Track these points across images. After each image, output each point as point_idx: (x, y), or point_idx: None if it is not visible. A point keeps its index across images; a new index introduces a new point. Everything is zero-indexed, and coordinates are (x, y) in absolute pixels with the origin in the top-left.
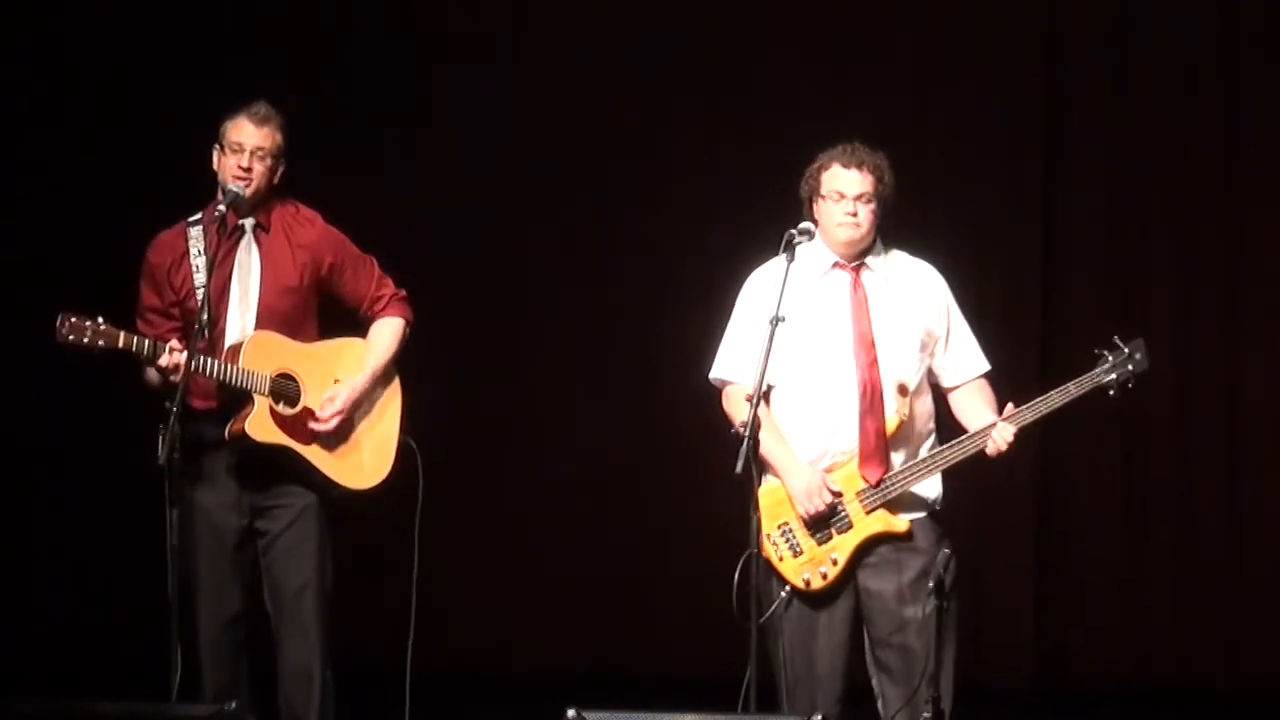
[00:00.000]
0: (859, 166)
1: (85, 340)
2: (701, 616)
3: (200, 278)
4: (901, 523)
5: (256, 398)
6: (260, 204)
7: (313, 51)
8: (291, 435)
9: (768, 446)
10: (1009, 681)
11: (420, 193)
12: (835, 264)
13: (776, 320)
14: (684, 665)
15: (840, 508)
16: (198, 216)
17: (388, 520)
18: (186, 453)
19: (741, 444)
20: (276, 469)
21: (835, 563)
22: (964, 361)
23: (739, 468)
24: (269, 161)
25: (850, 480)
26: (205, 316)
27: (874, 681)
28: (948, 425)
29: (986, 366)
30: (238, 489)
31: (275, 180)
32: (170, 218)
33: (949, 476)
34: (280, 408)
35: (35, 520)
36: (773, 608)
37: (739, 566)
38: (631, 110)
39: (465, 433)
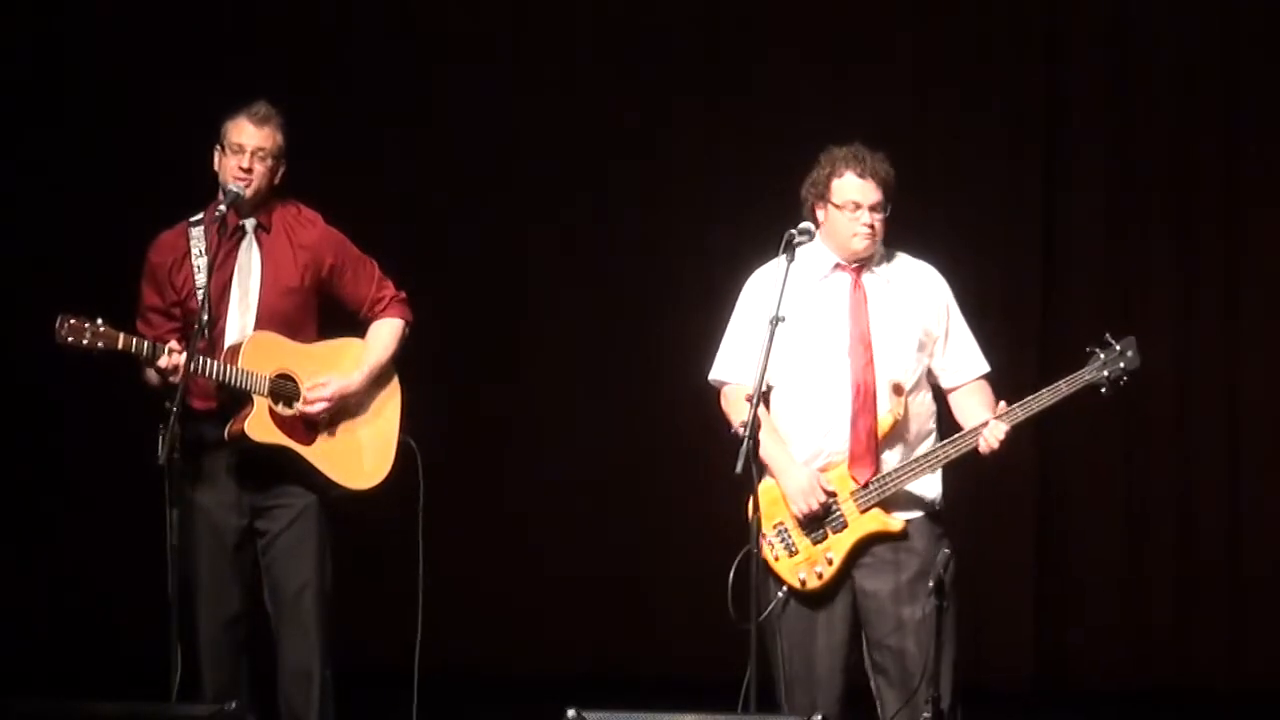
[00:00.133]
0: (872, 176)
1: (84, 341)
2: (701, 616)
3: (201, 278)
4: (896, 522)
5: (256, 398)
6: (261, 204)
7: (313, 51)
8: (291, 435)
9: (764, 446)
10: (1009, 681)
11: (420, 193)
12: (837, 265)
13: (776, 320)
14: (684, 665)
15: (835, 507)
16: (199, 216)
17: (388, 520)
18: (186, 453)
19: (741, 444)
20: (276, 469)
21: (831, 562)
22: (963, 362)
23: (739, 468)
24: (269, 162)
25: (844, 480)
26: (205, 317)
27: (872, 682)
28: (950, 426)
29: (986, 368)
30: (238, 489)
31: (276, 180)
32: (170, 218)
33: (949, 476)
34: (279, 408)
35: (35, 520)
36: (770, 608)
37: (734, 566)
38: (631, 110)
39: (465, 433)
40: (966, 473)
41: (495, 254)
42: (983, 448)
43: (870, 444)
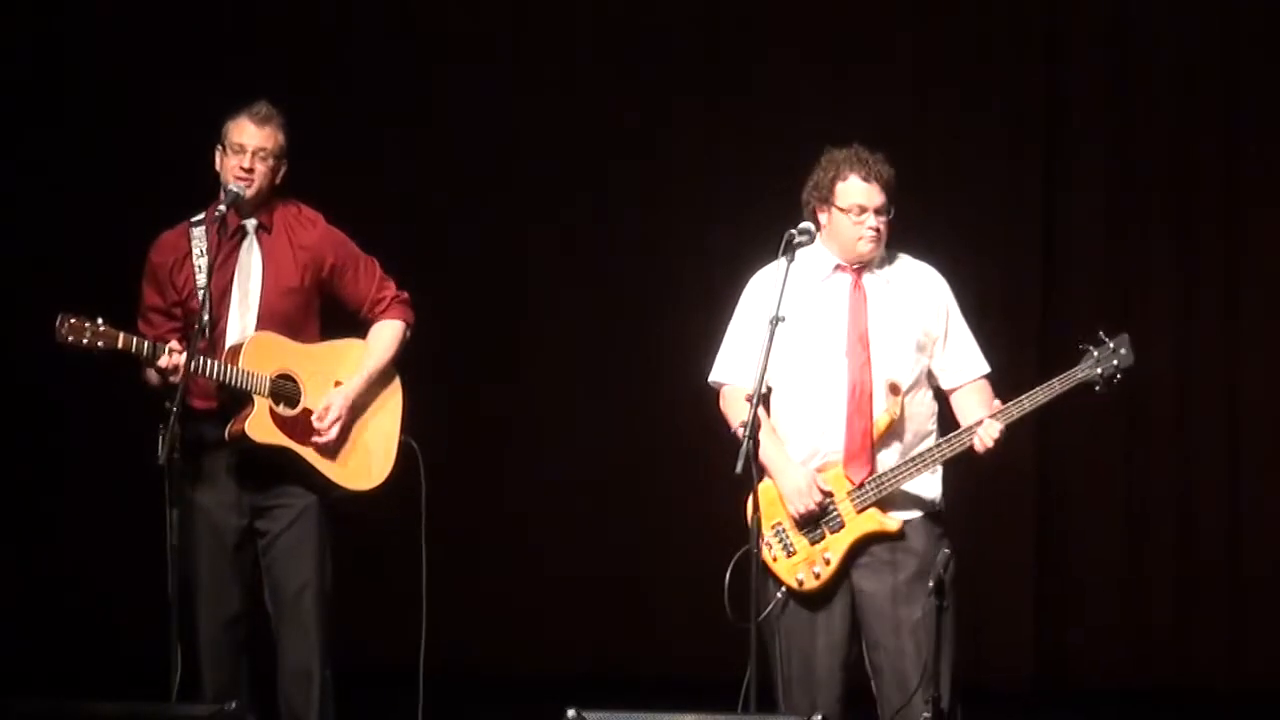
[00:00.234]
0: (877, 179)
1: (84, 341)
2: (701, 616)
3: (202, 278)
4: (893, 522)
5: (256, 398)
6: (263, 204)
7: (313, 51)
8: (291, 436)
9: (763, 447)
10: (1009, 681)
11: (420, 193)
12: (837, 266)
13: (776, 321)
14: (684, 665)
15: (832, 507)
16: (201, 216)
17: (388, 521)
18: (186, 453)
19: (741, 445)
20: (277, 469)
21: (828, 562)
22: (962, 363)
23: (739, 468)
24: (270, 162)
25: (841, 480)
26: (206, 317)
27: (872, 683)
28: (951, 427)
29: (986, 368)
30: (238, 489)
31: (277, 180)
32: (170, 218)
33: (949, 476)
34: (280, 409)
35: (35, 520)
36: (769, 608)
37: (730, 566)
38: (631, 110)
39: (465, 433)
40: (966, 473)
41: (495, 254)
42: (978, 446)
43: (865, 444)
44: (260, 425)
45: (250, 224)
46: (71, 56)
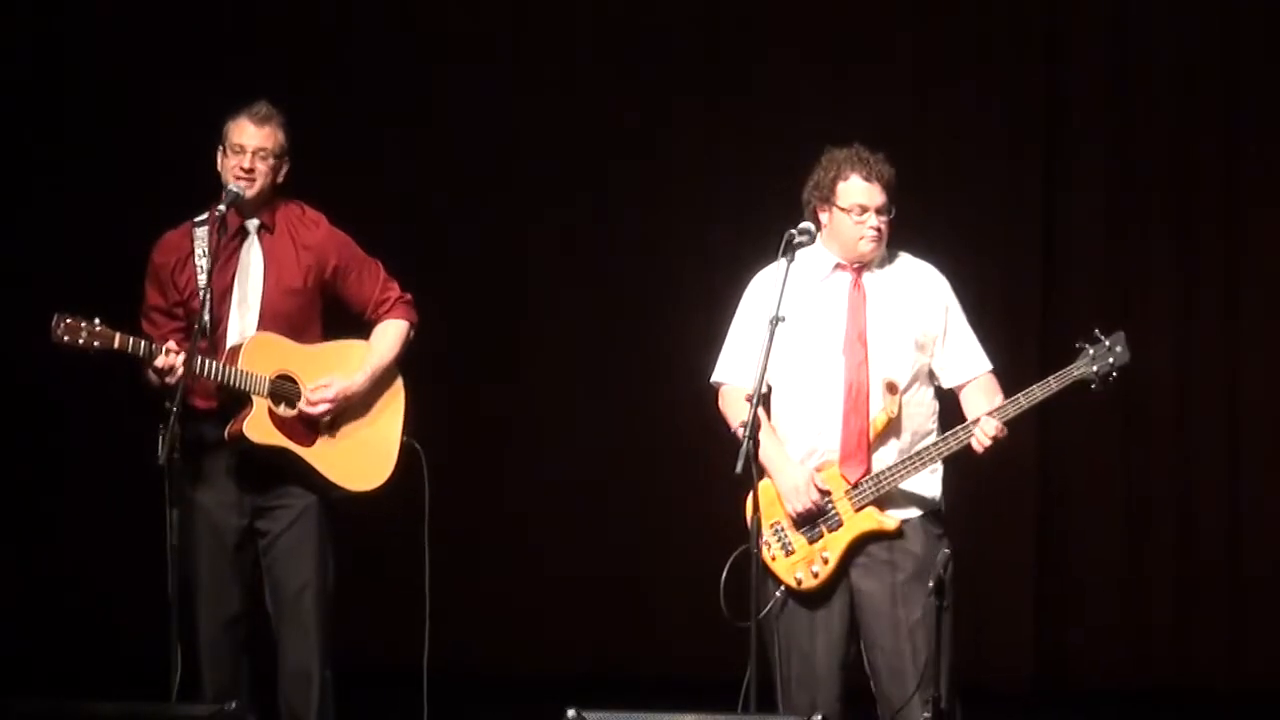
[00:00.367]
0: (878, 179)
1: (80, 341)
2: (701, 616)
3: (203, 278)
4: (891, 520)
5: (255, 399)
6: (265, 204)
7: (313, 51)
8: (290, 437)
9: (762, 446)
10: (1009, 681)
11: (420, 193)
12: (837, 265)
13: (776, 321)
14: (684, 665)
15: (830, 506)
16: (204, 216)
17: (389, 521)
18: (187, 453)
19: (741, 444)
20: (277, 470)
21: (826, 561)
22: (963, 361)
23: (739, 468)
24: (271, 161)
25: (838, 479)
26: (206, 317)
27: (871, 682)
28: (957, 425)
29: (988, 366)
30: (238, 489)
31: (279, 180)
32: (170, 217)
33: (949, 476)
34: (280, 409)
35: (35, 520)
36: (768, 607)
37: (727, 565)
38: (631, 110)
39: (465, 433)
40: (966, 472)
41: (495, 254)
42: (975, 445)
43: (861, 443)
44: (258, 426)
45: (253, 224)
46: (71, 56)
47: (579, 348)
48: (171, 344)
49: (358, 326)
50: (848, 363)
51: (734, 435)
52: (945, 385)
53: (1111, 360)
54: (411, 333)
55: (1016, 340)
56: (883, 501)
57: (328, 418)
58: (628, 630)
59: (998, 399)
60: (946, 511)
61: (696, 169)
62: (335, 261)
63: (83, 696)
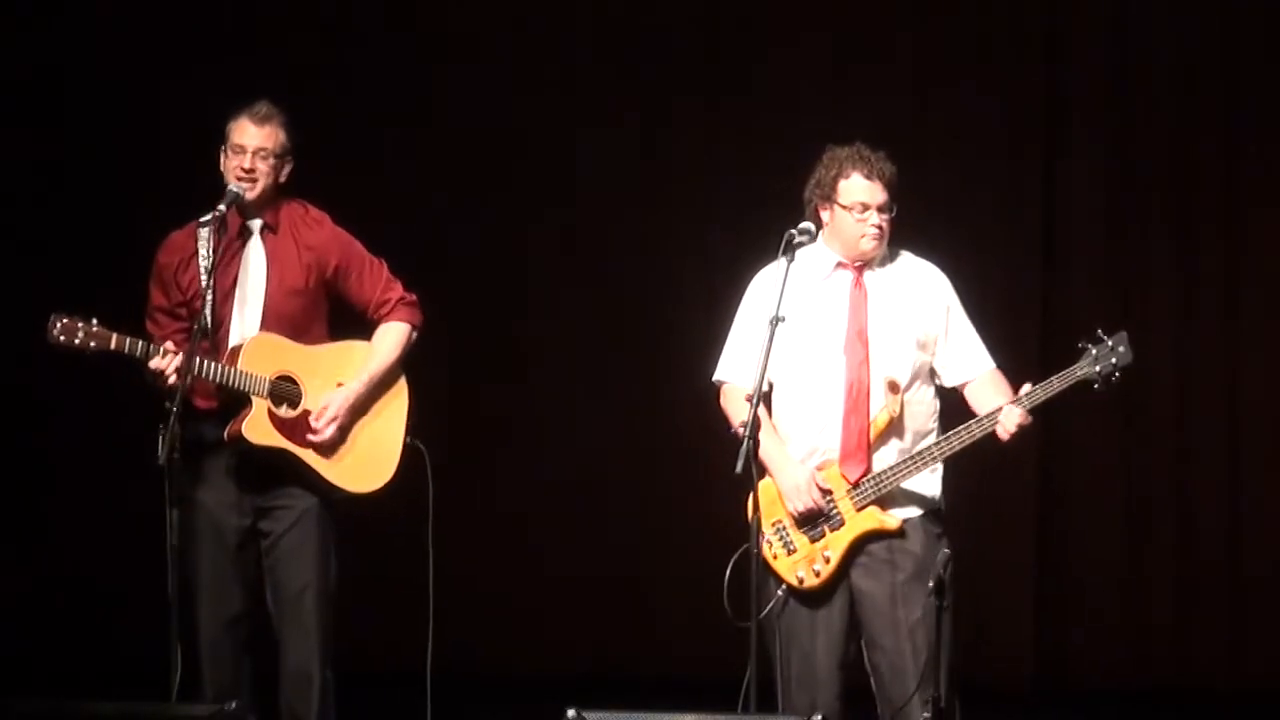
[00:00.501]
0: (879, 177)
1: (77, 341)
2: (701, 616)
3: (206, 279)
4: (893, 520)
5: (255, 400)
6: (267, 204)
7: (313, 51)
8: (290, 438)
9: (763, 445)
10: (1009, 681)
11: (420, 193)
12: (838, 264)
13: (776, 320)
14: (684, 665)
15: (832, 505)
16: (208, 217)
17: (391, 522)
18: (187, 453)
19: (741, 444)
20: (277, 470)
21: (828, 560)
22: (965, 359)
23: (739, 468)
24: (272, 161)
25: (839, 478)
26: (208, 318)
27: (871, 682)
28: (956, 424)
29: (990, 364)
30: (239, 489)
31: (282, 179)
32: (169, 217)
33: (949, 476)
34: (281, 410)
35: (34, 520)
36: (769, 607)
37: (730, 564)
38: (631, 110)
39: (465, 433)
40: (966, 472)
41: (495, 254)
42: (1000, 434)
43: (861, 442)
44: (258, 427)
45: (255, 224)
46: (71, 56)
47: (579, 348)
48: (169, 344)
49: (365, 326)
50: (849, 361)
51: (734, 434)
52: (947, 384)
53: (1114, 360)
54: (414, 334)
55: (1016, 340)
56: (884, 500)
57: (336, 433)
58: (628, 630)
59: (1006, 391)
60: (946, 511)
61: (696, 169)
62: (336, 261)
63: (83, 696)
